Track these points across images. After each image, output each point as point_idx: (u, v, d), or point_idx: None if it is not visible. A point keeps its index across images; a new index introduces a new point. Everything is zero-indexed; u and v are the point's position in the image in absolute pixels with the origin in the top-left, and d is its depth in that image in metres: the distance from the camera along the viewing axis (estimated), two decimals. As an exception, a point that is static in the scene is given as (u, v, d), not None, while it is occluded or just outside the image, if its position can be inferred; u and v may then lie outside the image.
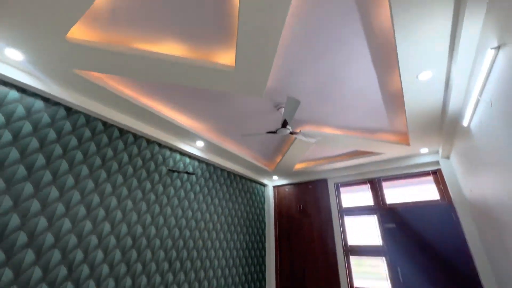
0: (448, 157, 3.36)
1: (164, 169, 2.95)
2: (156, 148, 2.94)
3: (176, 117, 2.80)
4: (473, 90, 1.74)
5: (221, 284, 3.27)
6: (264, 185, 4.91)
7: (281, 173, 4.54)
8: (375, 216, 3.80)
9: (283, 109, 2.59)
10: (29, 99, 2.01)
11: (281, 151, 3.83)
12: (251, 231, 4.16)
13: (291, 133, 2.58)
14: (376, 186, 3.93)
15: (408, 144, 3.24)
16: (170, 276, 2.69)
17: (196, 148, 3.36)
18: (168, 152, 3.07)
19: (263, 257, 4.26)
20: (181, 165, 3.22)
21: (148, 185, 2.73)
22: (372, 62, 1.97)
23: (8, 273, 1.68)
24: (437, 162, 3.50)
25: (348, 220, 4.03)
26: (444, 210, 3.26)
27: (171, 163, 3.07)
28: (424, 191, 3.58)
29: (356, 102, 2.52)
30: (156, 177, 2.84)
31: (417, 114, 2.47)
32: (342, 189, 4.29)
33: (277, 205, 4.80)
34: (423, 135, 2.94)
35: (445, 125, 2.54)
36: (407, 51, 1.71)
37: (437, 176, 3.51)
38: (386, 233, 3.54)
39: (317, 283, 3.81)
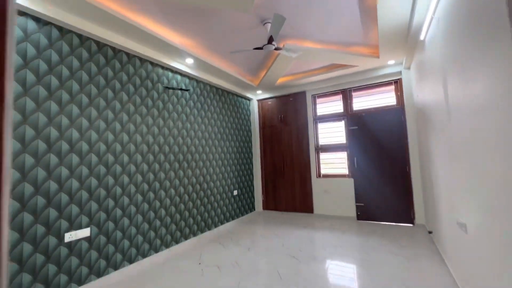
0: (409, 68, 3.88)
1: (160, 87, 3.23)
2: (149, 66, 3.11)
3: (165, 33, 2.87)
4: (430, 7, 2.06)
5: (219, 177, 4.18)
6: (249, 99, 5.36)
7: (265, 88, 4.93)
8: (343, 121, 4.58)
9: (268, 25, 2.75)
10: (21, 19, 2.03)
11: (266, 66, 4.09)
12: (240, 139, 4.89)
13: (276, 48, 2.84)
14: (347, 96, 4.54)
15: (378, 57, 3.64)
16: (181, 172, 3.44)
17: (185, 65, 3.53)
18: (160, 70, 3.26)
19: (250, 158, 5.20)
20: (174, 83, 3.48)
21: (150, 102, 3.07)
22: (352, -23, 2.11)
23: (28, 188, 2.22)
24: (400, 72, 4.03)
25: (321, 126, 4.82)
26: (396, 113, 4.05)
27: (165, 81, 3.32)
28: (385, 98, 4.27)
29: (336, 17, 2.73)
30: (155, 94, 3.15)
31: (388, 28, 2.77)
32: (318, 100, 4.89)
33: (261, 116, 5.42)
34: (391, 48, 3.32)
35: (409, 38, 2.91)
36: (382, -33, 1.89)
37: (398, 84, 4.12)
38: (349, 133, 4.41)
39: (293, 174, 4.92)
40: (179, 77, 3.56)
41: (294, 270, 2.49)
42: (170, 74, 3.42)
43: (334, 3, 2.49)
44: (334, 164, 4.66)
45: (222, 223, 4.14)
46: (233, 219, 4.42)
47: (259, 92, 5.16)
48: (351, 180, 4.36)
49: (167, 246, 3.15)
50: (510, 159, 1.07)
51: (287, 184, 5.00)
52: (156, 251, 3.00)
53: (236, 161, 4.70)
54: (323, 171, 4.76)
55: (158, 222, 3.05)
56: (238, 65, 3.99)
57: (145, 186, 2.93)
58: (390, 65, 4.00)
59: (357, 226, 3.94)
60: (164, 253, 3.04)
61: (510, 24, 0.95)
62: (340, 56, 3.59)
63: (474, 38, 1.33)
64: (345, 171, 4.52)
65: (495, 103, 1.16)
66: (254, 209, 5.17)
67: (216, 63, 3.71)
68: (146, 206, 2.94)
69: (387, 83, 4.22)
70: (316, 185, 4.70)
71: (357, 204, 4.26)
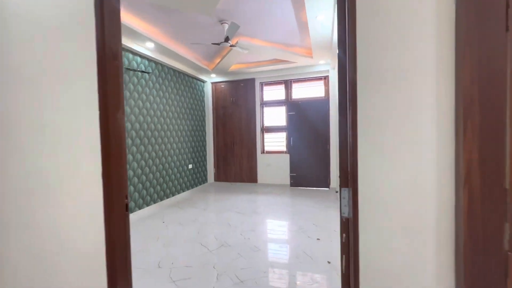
0: (334, 68, 4.93)
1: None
2: (111, 48, 3.29)
3: (128, 18, 3.10)
4: (340, 34, 2.94)
5: (176, 152, 4.67)
6: (203, 82, 5.77)
7: (219, 72, 5.42)
8: (284, 107, 5.50)
9: (226, 25, 3.27)
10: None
11: (221, 55, 4.59)
12: (195, 118, 5.36)
13: (231, 46, 3.40)
14: (288, 86, 5.42)
15: (311, 57, 4.55)
16: (142, 148, 3.83)
17: (146, 48, 3.77)
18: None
19: (204, 136, 5.75)
20: (135, 64, 3.71)
21: (112, 82, 3.30)
22: (292, 2, 2.81)
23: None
24: (328, 71, 5.07)
25: (266, 110, 5.66)
26: (324, 103, 5.14)
27: (125, 62, 3.53)
28: (316, 91, 5.31)
29: (281, 24, 3.43)
30: (117, 74, 3.37)
31: (318, 36, 3.61)
32: (265, 87, 5.66)
33: (215, 98, 5.93)
34: (320, 51, 4.23)
35: (332, 46, 3.84)
36: (311, 2, 2.63)
37: (326, 80, 5.18)
38: (288, 117, 5.37)
39: (241, 150, 5.72)
40: (139, 59, 3.78)
41: (240, 221, 3.34)
42: (131, 56, 3.63)
43: (279, 15, 3.17)
44: (276, 142, 5.63)
45: (179, 192, 4.72)
46: (188, 189, 5.04)
47: (213, 75, 5.61)
48: (288, 156, 5.41)
49: (131, 211, 3.61)
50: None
51: (236, 159, 5.79)
52: (122, 215, 3.45)
53: (191, 138, 5.20)
54: (266, 148, 5.69)
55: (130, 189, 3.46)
56: (196, 52, 4.38)
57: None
58: (321, 64, 4.98)
59: (289, 191, 5.06)
60: (130, 216, 3.52)
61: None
62: (283, 53, 4.35)
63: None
64: (284, 148, 5.54)
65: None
66: (207, 181, 5.85)
67: (175, 49, 4.03)
68: (111, 177, 3.32)
69: (318, 78, 5.24)
70: (260, 159, 5.62)
71: (291, 174, 5.37)
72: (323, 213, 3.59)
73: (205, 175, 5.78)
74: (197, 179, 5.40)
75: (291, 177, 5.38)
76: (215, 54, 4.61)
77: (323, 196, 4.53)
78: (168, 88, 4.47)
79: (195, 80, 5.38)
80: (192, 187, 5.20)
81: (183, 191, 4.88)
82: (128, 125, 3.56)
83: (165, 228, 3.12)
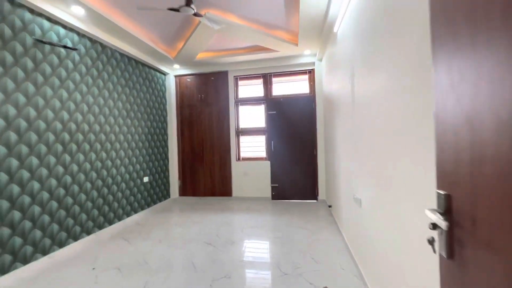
0: (321, 60, 4.24)
1: (28, 38, 2.31)
2: (7, 6, 2.15)
3: (32, -40, 2.01)
4: (344, 0, 2.19)
5: (125, 162, 3.54)
6: (165, 74, 4.70)
7: (183, 62, 4.41)
8: (263, 105, 4.67)
9: (186, -17, 2.34)
10: None
11: (184, 36, 3.61)
12: (153, 118, 4.26)
13: (195, 14, 2.47)
14: (267, 80, 4.61)
15: (297, 44, 3.79)
16: (67, 157, 2.67)
17: (72, 15, 2.66)
18: (28, 15, 2.32)
19: (165, 141, 4.66)
20: (54, 37, 2.57)
21: (9, 57, 2.15)
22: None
23: None
24: (313, 63, 4.37)
25: (242, 108, 4.77)
26: (309, 101, 4.41)
27: (37, 31, 2.39)
28: (300, 86, 4.57)
29: (261, -8, 2.58)
30: (19, 47, 2.23)
31: (308, 16, 2.85)
32: (240, 82, 4.78)
33: (179, 94, 4.89)
34: (308, 36, 3.48)
35: (324, 29, 3.11)
36: None
37: (311, 74, 4.47)
38: (268, 117, 4.54)
39: (212, 157, 4.74)
40: (61, 30, 2.65)
41: (210, 259, 2.37)
42: (47, 23, 2.50)
43: (260, -25, 2.32)
44: (254, 147, 4.75)
45: (129, 214, 3.56)
46: (142, 209, 3.89)
47: (176, 66, 4.59)
48: (268, 163, 4.55)
49: (45, 253, 2.42)
50: (392, 145, 1.22)
51: (206, 168, 4.78)
52: (26, 263, 2.25)
53: (148, 143, 4.09)
54: (242, 154, 4.78)
55: (46, 218, 2.27)
56: (149, 29, 3.34)
57: (25, 174, 2.10)
58: (306, 55, 4.26)
59: (272, 205, 4.19)
60: (42, 262, 2.33)
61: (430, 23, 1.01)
62: (262, 37, 3.52)
63: (380, 35, 1.44)
64: (263, 154, 4.68)
65: (384, 96, 1.29)
66: (169, 196, 4.73)
67: (119, 21, 2.97)
68: (27, 199, 2.14)
69: (302, 72, 4.52)
70: (236, 168, 4.69)
71: (272, 185, 4.52)
72: (320, 237, 2.77)
73: (167, 190, 4.66)
74: (155, 195, 4.27)
75: (273, 189, 4.52)
76: (176, 36, 3.62)
77: (313, 211, 3.74)
78: (112, 77, 3.36)
79: (152, 71, 4.31)
80: (149, 206, 4.06)
81: (135, 212, 3.73)
82: (30, 113, 2.40)
83: (93, 283, 2.02)
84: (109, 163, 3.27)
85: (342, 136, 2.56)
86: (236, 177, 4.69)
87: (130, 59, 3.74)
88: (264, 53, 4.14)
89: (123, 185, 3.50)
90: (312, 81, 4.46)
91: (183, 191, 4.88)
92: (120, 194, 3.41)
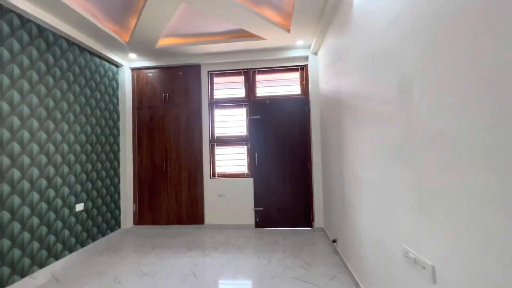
0: (316, 53, 3.46)
1: None
2: None
3: None
4: None
5: (55, 183, 2.39)
6: (117, 66, 3.63)
7: (141, 50, 3.39)
8: (245, 108, 3.75)
9: None
10: None
11: (134, 8, 2.62)
12: (98, 123, 3.15)
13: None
14: (250, 78, 3.72)
15: (288, 30, 2.97)
16: None
17: None
18: None
19: (116, 153, 3.53)
20: None
21: None
22: None
23: None
24: (306, 58, 3.58)
25: (218, 112, 3.82)
26: (301, 104, 3.58)
27: None
28: (290, 86, 3.74)
29: None
30: None
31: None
32: (216, 79, 3.84)
33: (137, 92, 3.81)
34: (305, 19, 2.67)
35: (327, 5, 2.31)
36: None
37: (303, 72, 3.67)
38: (251, 123, 3.63)
39: (179, 173, 3.69)
40: None
41: None
42: None
43: None
44: (232, 160, 3.78)
45: (42, 265, 2.38)
46: (71, 251, 2.71)
47: (133, 56, 3.54)
48: (250, 180, 3.61)
49: None
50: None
51: (171, 188, 3.70)
52: None
53: (90, 156, 2.96)
54: (218, 170, 3.79)
55: None
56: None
57: None
58: (299, 46, 3.45)
59: (256, 237, 3.22)
60: None
61: None
62: (246, 16, 2.65)
63: None
64: (245, 169, 3.73)
65: None
66: (120, 226, 3.56)
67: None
68: None
69: (293, 69, 3.70)
70: (210, 187, 3.67)
71: (256, 208, 3.56)
72: (331, 300, 1.85)
73: (116, 218, 3.50)
74: (97, 227, 3.10)
75: (257, 213, 3.56)
76: (125, 9, 2.62)
77: (310, 247, 2.83)
78: (35, 65, 2.27)
79: (98, 60, 3.22)
80: (83, 245, 2.88)
81: (63, 256, 2.55)
82: None
83: None
84: (26, 185, 2.12)
85: (373, 148, 1.70)
86: (210, 199, 3.67)
87: (70, 43, 2.67)
88: (247, 42, 3.27)
89: (47, 216, 2.34)
90: (305, 79, 3.65)
91: (140, 218, 3.73)
92: (27, 236, 2.23)
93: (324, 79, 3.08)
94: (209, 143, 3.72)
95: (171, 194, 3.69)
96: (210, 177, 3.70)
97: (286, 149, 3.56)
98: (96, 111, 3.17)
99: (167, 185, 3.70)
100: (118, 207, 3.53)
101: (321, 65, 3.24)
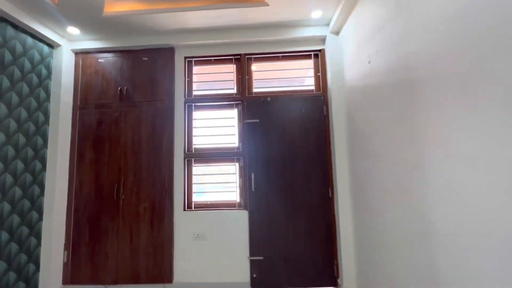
0: (338, 33, 2.45)
1: None
2: None
3: None
4: None
5: None
6: (51, 46, 2.49)
7: (82, 19, 2.28)
8: (236, 109, 2.66)
9: None
10: None
11: None
12: (14, 128, 1.96)
13: None
14: (243, 67, 2.65)
15: (303, -12, 1.95)
16: None
17: None
18: None
19: (39, 171, 2.30)
20: None
21: None
22: None
23: None
24: (323, 40, 2.56)
25: (198, 114, 2.70)
26: (316, 102, 2.52)
27: None
28: (301, 78, 2.70)
29: None
30: None
31: None
32: (196, 68, 2.75)
33: (81, 85, 2.65)
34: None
35: None
36: None
37: (319, 59, 2.64)
38: (246, 130, 2.52)
39: (137, 204, 2.47)
40: None
41: None
42: None
43: None
44: (218, 184, 2.62)
45: None
46: None
47: (73, 31, 2.43)
48: (244, 214, 2.43)
49: None
50: None
51: (124, 226, 2.46)
52: None
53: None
54: (196, 198, 2.60)
55: None
56: None
57: None
58: (314, 21, 2.44)
59: (252, 310, 2.00)
60: None
61: None
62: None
63: None
64: (235, 196, 2.56)
65: None
66: (36, 290, 2.25)
67: None
68: None
69: (305, 55, 2.67)
70: (183, 224, 2.46)
71: (253, 258, 2.36)
72: None
73: (29, 278, 2.20)
74: (-21, 303, 1.81)
75: (254, 266, 2.35)
76: None
77: None
78: None
79: (21, 35, 2.08)
80: None
81: None
82: None
83: None
84: None
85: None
86: (183, 243, 2.44)
87: None
88: (239, 12, 2.22)
89: None
90: (321, 69, 2.61)
91: (73, 275, 2.43)
92: None
93: (352, 66, 2.04)
94: (184, 158, 2.55)
95: (123, 236, 2.44)
96: (184, 209, 2.50)
97: (296, 168, 2.44)
98: (18, 110, 1.99)
99: (119, 222, 2.46)
100: (35, 259, 2.24)
101: (349, 46, 2.21)
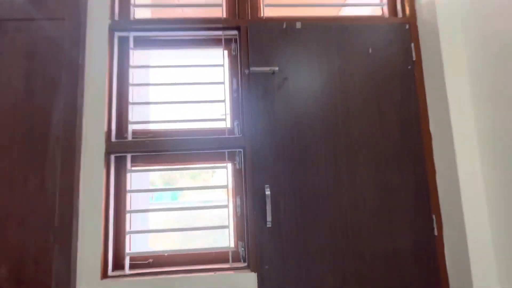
0: None
1: None
2: None
3: None
4: None
5: None
6: None
7: None
8: (227, 48, 1.26)
9: None
10: None
11: None
12: None
13: None
14: (243, -42, 1.26)
15: None
16: None
17: None
18: None
19: None
20: None
21: None
22: None
23: None
24: None
25: (143, 57, 1.25)
26: (396, 37, 1.22)
27: None
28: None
29: None
30: None
31: None
32: (138, -39, 1.31)
33: None
34: None
35: None
36: None
37: (394, -46, 1.33)
38: (250, 92, 1.14)
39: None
40: None
41: None
42: None
43: None
44: (187, 212, 1.20)
45: None
46: None
47: None
48: (249, 280, 1.05)
49: None
50: None
51: None
52: None
53: None
54: (137, 246, 1.16)
55: None
56: None
57: None
58: None
59: None
60: None
61: None
62: None
63: None
64: (226, 240, 1.16)
65: None
66: None
67: None
68: None
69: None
70: (101, 313, 1.01)
71: None
72: None
73: None
74: None
75: None
76: None
77: None
78: None
79: None
80: None
81: None
82: None
83: None
84: None
85: None
86: None
87: None
88: None
89: None
90: (399, -26, 1.30)
91: None
92: None
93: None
94: (107, 154, 1.10)
95: None
96: (105, 274, 1.05)
97: (358, 173, 1.11)
98: None
99: None
100: None
101: None
